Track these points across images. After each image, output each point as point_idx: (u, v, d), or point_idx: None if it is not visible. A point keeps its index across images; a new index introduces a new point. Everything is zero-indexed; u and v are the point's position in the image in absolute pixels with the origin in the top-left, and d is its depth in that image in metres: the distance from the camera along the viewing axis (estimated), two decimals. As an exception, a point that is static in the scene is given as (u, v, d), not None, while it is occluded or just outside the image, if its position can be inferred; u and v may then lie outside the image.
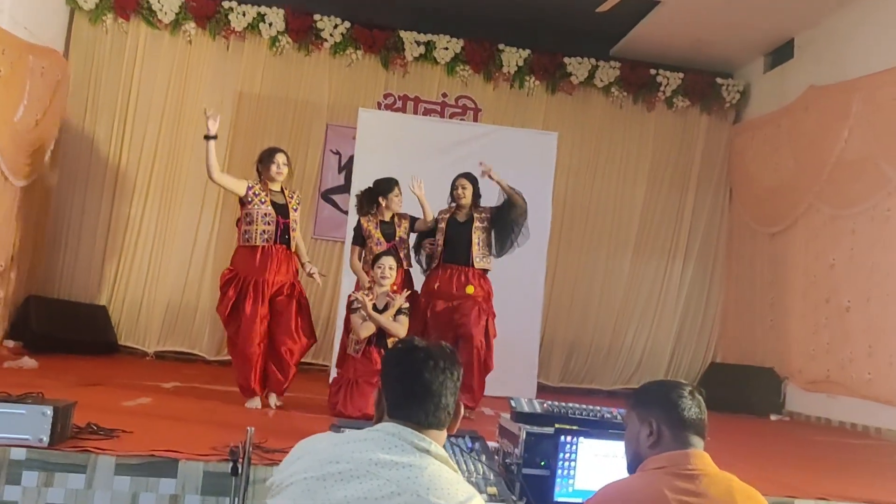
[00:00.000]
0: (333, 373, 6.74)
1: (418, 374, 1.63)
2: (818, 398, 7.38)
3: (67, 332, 7.43)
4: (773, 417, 7.59)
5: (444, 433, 1.67)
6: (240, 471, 2.72)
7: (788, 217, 8.07)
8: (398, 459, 1.52)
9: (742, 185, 9.17)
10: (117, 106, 8.37)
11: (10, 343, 7.03)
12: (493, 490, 2.37)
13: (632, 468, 1.94)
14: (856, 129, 7.14)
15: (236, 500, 2.73)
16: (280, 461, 1.71)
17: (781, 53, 8.79)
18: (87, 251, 8.21)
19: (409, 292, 5.10)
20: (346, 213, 7.76)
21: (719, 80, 9.32)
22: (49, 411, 2.97)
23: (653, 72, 9.17)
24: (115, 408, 4.28)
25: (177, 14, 8.37)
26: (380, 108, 8.72)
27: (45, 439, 2.96)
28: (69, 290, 8.12)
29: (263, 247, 5.00)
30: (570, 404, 2.94)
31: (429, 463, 1.54)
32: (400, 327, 4.80)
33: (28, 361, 6.01)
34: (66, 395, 3.52)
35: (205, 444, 3.28)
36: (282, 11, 8.51)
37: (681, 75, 9.20)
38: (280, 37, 8.56)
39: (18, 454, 2.94)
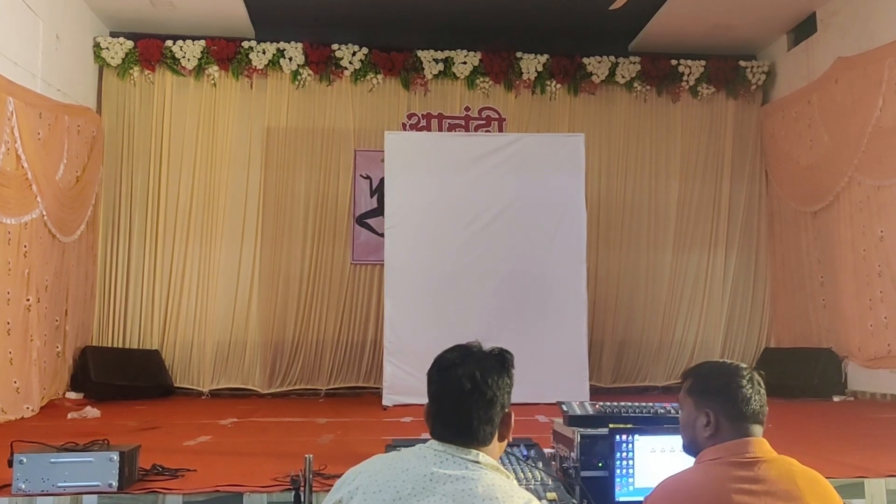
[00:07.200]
0: (386, 400, 6.81)
1: (453, 396, 1.60)
2: (881, 374, 7.18)
3: (125, 378, 7.63)
4: (835, 399, 7.39)
5: (494, 445, 1.64)
6: (302, 499, 2.75)
7: (830, 193, 7.89)
8: (452, 473, 1.54)
9: (777, 166, 9.00)
10: (151, 154, 8.60)
11: (73, 395, 7.26)
12: (552, 496, 2.36)
13: (688, 451, 1.92)
14: (890, 96, 6.98)
15: (302, 527, 2.77)
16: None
17: (804, 29, 8.64)
18: (135, 298, 8.43)
19: None
20: (381, 235, 7.82)
21: (743, 63, 9.18)
22: (115, 457, 3.07)
23: (674, 62, 9.08)
24: (178, 448, 4.39)
25: (199, 59, 8.59)
26: (405, 129, 8.80)
27: (115, 484, 3.06)
28: (122, 338, 8.33)
29: None
30: (623, 403, 2.93)
31: (482, 474, 1.55)
32: None
33: (91, 411, 6.18)
34: (129, 439, 3.63)
35: (267, 475, 3.35)
36: (300, 45, 8.68)
37: (703, 62, 9.10)
38: (301, 70, 8.71)
39: (90, 501, 3.05)
